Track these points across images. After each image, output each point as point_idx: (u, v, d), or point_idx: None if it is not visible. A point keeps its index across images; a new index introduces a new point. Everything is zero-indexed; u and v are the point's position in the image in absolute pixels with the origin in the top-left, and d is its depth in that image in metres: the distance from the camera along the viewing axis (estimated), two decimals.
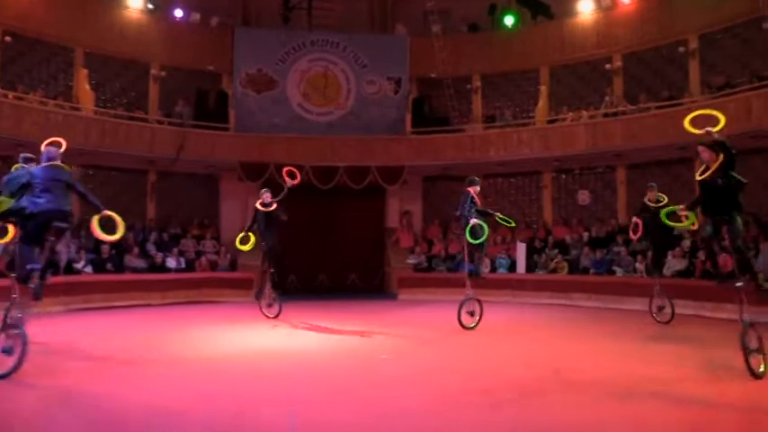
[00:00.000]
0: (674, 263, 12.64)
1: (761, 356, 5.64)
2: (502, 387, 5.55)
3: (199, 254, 15.23)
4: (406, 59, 17.17)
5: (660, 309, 9.91)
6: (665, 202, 9.54)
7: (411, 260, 15.83)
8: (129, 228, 15.01)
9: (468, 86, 17.65)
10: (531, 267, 14.82)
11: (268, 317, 10.13)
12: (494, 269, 14.96)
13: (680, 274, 12.35)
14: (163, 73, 16.53)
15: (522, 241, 15.29)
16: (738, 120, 12.54)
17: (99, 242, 13.95)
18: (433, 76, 17.41)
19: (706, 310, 10.94)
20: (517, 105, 17.39)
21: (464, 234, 8.82)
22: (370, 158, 16.17)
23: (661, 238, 9.89)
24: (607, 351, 7.44)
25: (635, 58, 15.72)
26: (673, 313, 9.77)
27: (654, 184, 10.14)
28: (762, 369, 5.62)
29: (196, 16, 16.73)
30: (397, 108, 16.97)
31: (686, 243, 12.92)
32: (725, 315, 10.37)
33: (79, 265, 13.06)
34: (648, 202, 9.86)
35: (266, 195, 10.46)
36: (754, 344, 5.64)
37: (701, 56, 14.57)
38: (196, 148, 15.58)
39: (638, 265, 13.12)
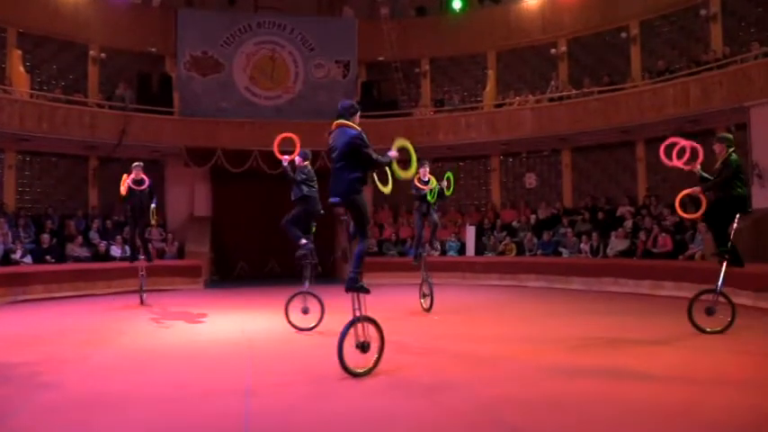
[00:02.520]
0: (616, 243, 13.06)
1: None
2: (453, 363, 5.64)
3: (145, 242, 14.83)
4: (354, 43, 17.06)
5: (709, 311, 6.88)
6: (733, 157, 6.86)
7: None
8: (70, 216, 14.60)
9: (417, 70, 17.69)
10: (480, 250, 15.06)
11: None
12: (444, 252, 15.15)
13: (622, 253, 12.77)
14: (103, 55, 15.94)
15: (471, 224, 15.52)
16: (677, 105, 13.03)
17: (39, 232, 13.51)
18: (381, 59, 17.36)
19: (644, 287, 11.39)
20: (465, 89, 17.54)
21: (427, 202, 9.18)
22: (319, 143, 15.91)
23: (727, 207, 6.86)
24: (552, 328, 7.65)
25: (579, 44, 16.05)
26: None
27: (725, 135, 7.31)
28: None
29: None
30: (346, 92, 16.85)
31: (628, 223, 13.36)
32: (665, 293, 10.86)
33: (17, 256, 12.58)
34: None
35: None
36: None
37: (641, 42, 14.99)
38: (139, 132, 15.13)
39: (582, 246, 13.49)
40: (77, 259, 13.36)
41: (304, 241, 7.81)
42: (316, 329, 7.60)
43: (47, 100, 14.50)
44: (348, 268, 5.48)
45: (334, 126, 5.52)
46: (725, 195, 6.84)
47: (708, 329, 6.79)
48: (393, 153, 5.50)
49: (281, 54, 16.83)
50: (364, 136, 5.36)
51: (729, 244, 6.86)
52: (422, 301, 9.40)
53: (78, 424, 4.22)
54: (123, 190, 9.93)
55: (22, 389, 5.07)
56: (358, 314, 5.27)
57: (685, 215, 7.80)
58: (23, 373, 5.59)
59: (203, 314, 9.52)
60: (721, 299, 6.88)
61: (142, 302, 10.38)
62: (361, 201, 5.41)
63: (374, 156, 5.35)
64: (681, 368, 5.46)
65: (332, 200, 5.36)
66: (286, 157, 8.01)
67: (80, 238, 13.79)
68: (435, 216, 9.54)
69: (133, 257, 10.44)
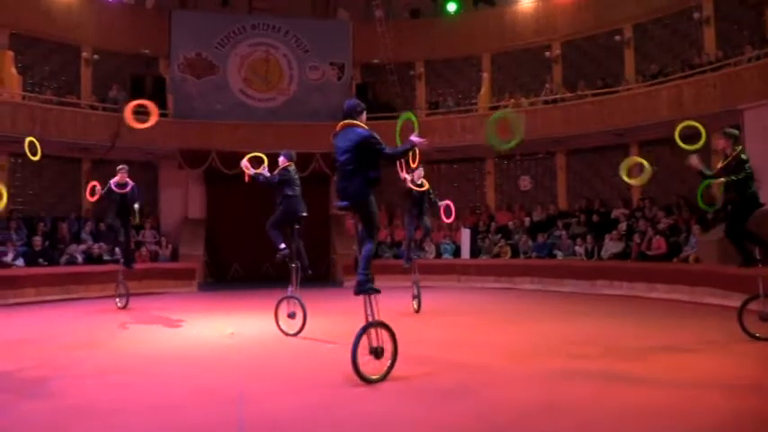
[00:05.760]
0: (610, 245, 13.06)
1: None
2: (449, 367, 5.61)
3: (138, 244, 14.77)
4: (348, 45, 17.06)
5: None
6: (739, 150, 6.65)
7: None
8: (63, 218, 14.52)
9: (412, 73, 17.68)
10: (475, 252, 15.05)
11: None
12: (439, 254, 15.14)
13: (617, 256, 12.77)
14: (96, 56, 15.87)
15: (466, 227, 15.51)
16: (671, 107, 13.06)
17: (30, 235, 13.43)
18: (376, 62, 17.35)
19: (638, 290, 11.38)
20: (460, 92, 17.56)
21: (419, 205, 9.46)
22: (314, 145, 15.98)
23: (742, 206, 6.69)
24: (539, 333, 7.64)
25: (573, 47, 16.09)
26: None
27: (731, 131, 6.86)
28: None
29: None
30: (341, 94, 16.80)
31: (622, 226, 13.36)
32: (657, 295, 10.88)
33: (9, 258, 12.47)
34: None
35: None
36: None
37: (635, 45, 15.05)
38: (133, 134, 14.97)
39: (577, 248, 13.49)
40: (71, 261, 13.26)
41: (282, 246, 7.78)
42: (300, 335, 7.55)
43: (39, 102, 14.42)
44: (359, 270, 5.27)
45: (339, 127, 5.33)
46: (740, 196, 6.60)
47: (758, 335, 6.56)
48: (416, 139, 5.21)
49: (276, 56, 16.80)
50: (377, 135, 5.20)
51: (752, 236, 6.69)
52: (413, 303, 9.57)
53: None
54: (93, 198, 10.10)
55: (12, 396, 5.00)
56: (371, 319, 5.14)
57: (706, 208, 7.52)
58: (13, 380, 5.53)
59: (195, 317, 9.47)
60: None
61: (121, 306, 10.30)
62: (371, 203, 5.23)
63: (390, 151, 5.20)
64: (674, 371, 5.45)
65: (339, 203, 5.14)
66: (251, 171, 8.20)
67: (90, 241, 13.90)
68: (428, 221, 9.61)
69: (115, 243, 10.62)
